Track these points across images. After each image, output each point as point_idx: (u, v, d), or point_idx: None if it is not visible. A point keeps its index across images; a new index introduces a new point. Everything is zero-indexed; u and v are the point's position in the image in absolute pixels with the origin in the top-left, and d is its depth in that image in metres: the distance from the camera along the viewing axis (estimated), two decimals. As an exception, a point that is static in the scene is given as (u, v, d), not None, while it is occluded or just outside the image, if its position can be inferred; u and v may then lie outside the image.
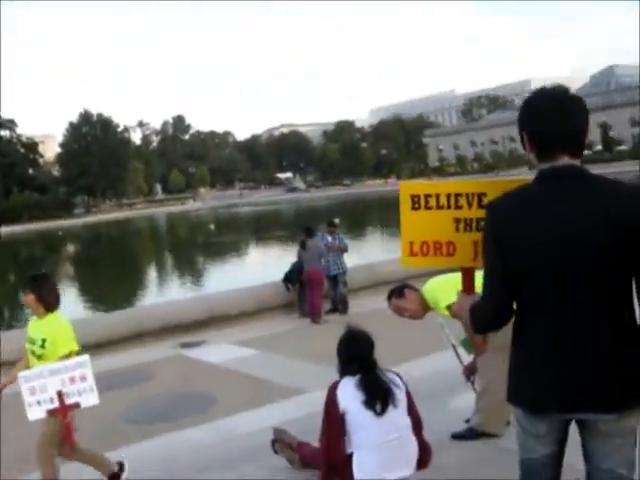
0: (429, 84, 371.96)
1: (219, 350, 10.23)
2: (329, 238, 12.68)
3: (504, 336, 4.66)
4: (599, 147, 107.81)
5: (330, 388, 4.15)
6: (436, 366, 7.11)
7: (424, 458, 4.22)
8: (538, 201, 2.40)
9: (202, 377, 8.87)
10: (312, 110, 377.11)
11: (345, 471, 4.07)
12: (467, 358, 4.94)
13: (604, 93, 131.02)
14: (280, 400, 7.45)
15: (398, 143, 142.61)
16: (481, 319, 2.57)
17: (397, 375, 4.26)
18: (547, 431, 2.53)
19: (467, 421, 4.91)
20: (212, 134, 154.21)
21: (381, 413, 4.02)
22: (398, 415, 4.10)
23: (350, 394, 4.05)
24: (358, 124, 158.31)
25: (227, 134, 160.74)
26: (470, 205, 2.81)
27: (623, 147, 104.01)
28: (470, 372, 4.90)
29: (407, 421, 4.15)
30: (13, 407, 5.70)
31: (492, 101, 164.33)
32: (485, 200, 2.80)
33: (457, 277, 4.93)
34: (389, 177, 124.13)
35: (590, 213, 2.33)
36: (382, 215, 52.21)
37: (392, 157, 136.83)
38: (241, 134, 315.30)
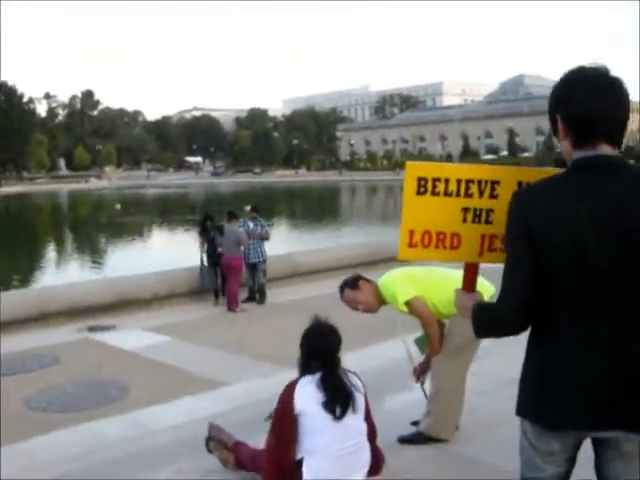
0: (344, 79, 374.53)
1: (130, 336, 9.65)
2: (250, 224, 12.26)
3: (460, 338, 4.46)
4: (505, 152, 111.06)
5: (287, 386, 3.81)
6: (369, 361, 6.84)
7: (376, 466, 3.94)
8: (577, 193, 2.12)
9: (112, 364, 8.29)
10: (225, 95, 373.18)
11: (294, 478, 3.74)
12: (418, 358, 4.67)
13: (512, 101, 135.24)
14: (199, 392, 7.01)
15: (310, 135, 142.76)
16: (494, 322, 2.26)
17: (357, 377, 3.93)
18: (560, 449, 2.28)
19: (413, 423, 4.66)
20: (121, 112, 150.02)
21: (340, 417, 3.71)
22: (356, 420, 3.80)
23: (309, 394, 3.72)
24: (271, 113, 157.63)
25: (137, 113, 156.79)
26: (481, 194, 2.49)
27: (527, 154, 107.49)
28: (421, 373, 4.65)
29: (364, 427, 3.86)
30: None
31: (405, 100, 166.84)
32: (498, 189, 2.49)
33: (417, 272, 4.71)
34: (299, 168, 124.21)
35: (637, 208, 2.07)
36: (292, 205, 52.12)
37: (303, 148, 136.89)
38: (151, 114, 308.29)
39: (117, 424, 6.02)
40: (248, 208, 12.68)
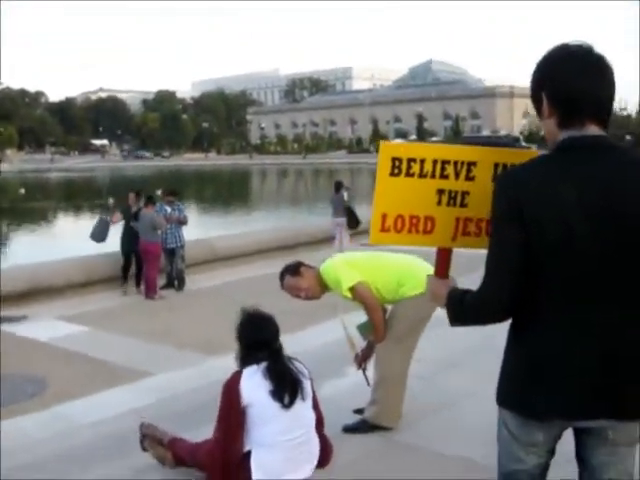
0: (254, 62, 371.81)
1: (44, 326, 9.18)
2: (168, 209, 11.89)
3: (405, 324, 4.38)
4: (414, 137, 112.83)
5: (232, 378, 3.64)
6: (302, 346, 6.68)
7: (325, 457, 3.83)
8: (564, 175, 2.02)
9: (26, 357, 7.86)
10: (132, 77, 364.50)
11: (240, 471, 3.58)
12: (359, 341, 4.55)
13: (421, 86, 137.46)
14: (123, 384, 6.71)
15: (220, 118, 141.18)
16: (479, 308, 2.14)
17: (301, 363, 3.80)
18: (544, 440, 2.20)
19: (356, 411, 4.55)
20: (23, 92, 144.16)
21: (289, 405, 3.58)
22: (305, 409, 3.69)
23: (256, 384, 3.57)
24: (180, 95, 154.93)
25: (39, 94, 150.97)
26: (457, 175, 2.37)
27: (436, 138, 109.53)
28: (363, 359, 4.54)
29: (312, 416, 3.75)
30: None
31: (315, 84, 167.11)
32: (475, 171, 2.38)
33: (360, 257, 4.58)
34: (209, 151, 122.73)
35: (627, 190, 2.00)
36: (203, 189, 51.38)
37: (213, 131, 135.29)
38: (55, 95, 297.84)
39: (38, 421, 5.68)
40: (160, 192, 12.28)
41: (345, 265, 4.31)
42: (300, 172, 75.16)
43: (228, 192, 51.53)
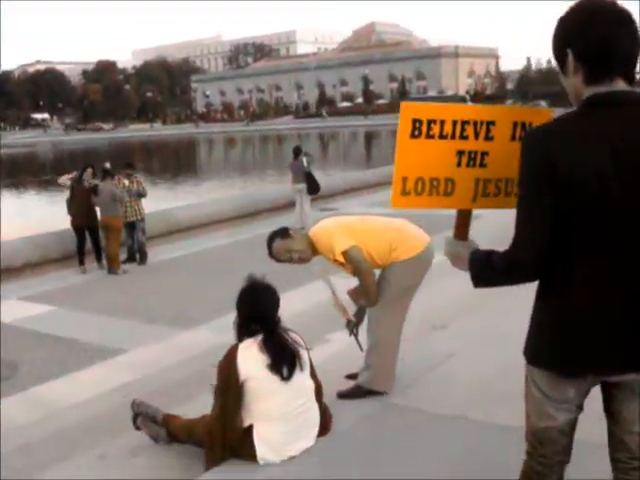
0: (195, 28, 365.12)
1: (8, 307, 8.92)
2: (126, 182, 11.64)
3: (397, 288, 4.34)
4: (360, 100, 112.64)
5: (228, 353, 3.57)
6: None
7: (325, 424, 3.81)
8: (596, 131, 1.98)
9: (-8, 339, 7.66)
10: (70, 48, 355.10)
11: (243, 446, 3.54)
12: (350, 310, 4.51)
13: (365, 48, 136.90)
14: (97, 362, 6.60)
15: (163, 86, 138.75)
16: (509, 268, 2.10)
17: (296, 333, 3.75)
18: (574, 396, 2.20)
19: (349, 377, 4.54)
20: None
21: (288, 378, 3.54)
22: (303, 379, 3.65)
23: (253, 358, 3.51)
24: (120, 65, 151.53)
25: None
26: (477, 135, 2.33)
27: (382, 101, 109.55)
28: (355, 325, 4.50)
29: (311, 385, 3.72)
30: None
31: (259, 49, 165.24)
32: (493, 131, 2.35)
33: (351, 221, 4.52)
34: (154, 121, 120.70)
35: None
36: (149, 160, 50.53)
37: (157, 101, 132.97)
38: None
39: (16, 404, 5.55)
40: (107, 165, 11.97)
41: (338, 229, 4.24)
42: (248, 139, 74.49)
43: (177, 162, 50.84)
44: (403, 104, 2.27)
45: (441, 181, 2.33)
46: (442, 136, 2.29)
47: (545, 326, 2.17)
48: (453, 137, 2.30)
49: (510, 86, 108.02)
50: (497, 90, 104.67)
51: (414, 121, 2.25)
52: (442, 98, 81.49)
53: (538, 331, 2.20)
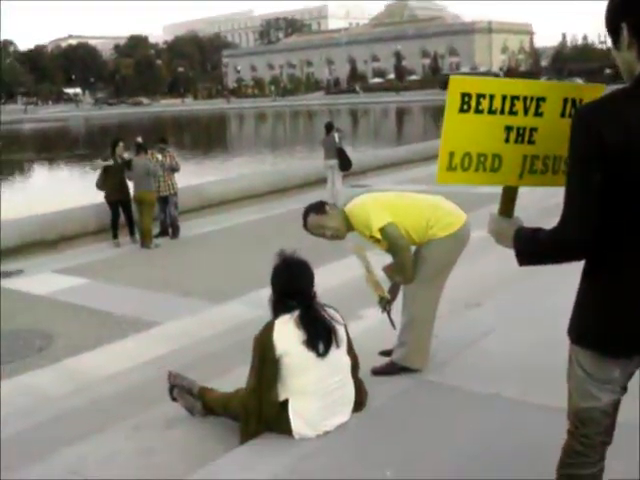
0: (226, 3, 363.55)
1: (43, 280, 9.08)
2: (159, 156, 11.69)
3: (434, 265, 4.29)
4: (392, 76, 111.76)
5: (265, 328, 3.56)
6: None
7: (360, 400, 3.81)
8: None
9: (28, 311, 7.77)
10: (101, 22, 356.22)
11: (278, 420, 3.55)
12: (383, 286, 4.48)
13: (398, 23, 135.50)
14: (132, 334, 6.67)
15: (194, 62, 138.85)
16: (560, 246, 2.05)
17: (334, 309, 3.74)
18: (619, 376, 2.17)
19: (382, 353, 4.53)
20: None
21: (324, 354, 3.53)
22: (340, 355, 3.64)
23: (289, 334, 3.50)
24: (152, 40, 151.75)
25: (8, 43, 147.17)
26: (526, 111, 2.27)
27: (414, 77, 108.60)
28: (388, 302, 4.48)
29: (348, 361, 3.70)
30: None
31: (290, 24, 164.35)
32: (543, 107, 2.28)
33: (388, 197, 4.48)
34: (185, 96, 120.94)
35: None
36: (181, 135, 50.68)
37: (188, 76, 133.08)
38: (23, 44, 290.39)
39: (51, 375, 5.63)
40: (139, 139, 12.00)
41: (375, 205, 4.19)
42: (279, 115, 74.39)
43: (208, 137, 50.96)
44: (452, 78, 2.21)
45: (488, 157, 2.28)
46: (491, 111, 2.23)
47: (592, 305, 2.13)
48: (502, 112, 2.25)
49: (544, 63, 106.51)
50: (531, 67, 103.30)
51: (463, 95, 2.20)
52: (475, 74, 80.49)
53: (584, 310, 2.16)
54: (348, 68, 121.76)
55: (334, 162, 13.66)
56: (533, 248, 2.13)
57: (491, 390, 4.09)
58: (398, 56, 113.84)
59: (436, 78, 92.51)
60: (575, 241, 2.02)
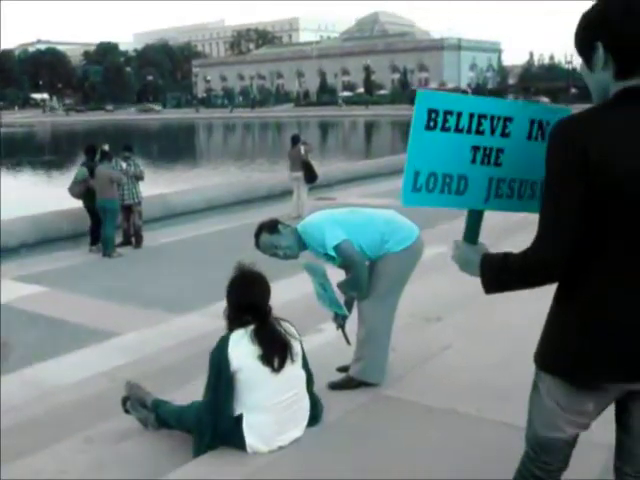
0: (198, 13, 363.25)
1: (2, 287, 8.91)
2: (123, 164, 11.58)
3: (389, 280, 4.31)
4: (361, 90, 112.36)
5: (220, 343, 3.54)
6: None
7: (315, 415, 3.80)
8: (630, 124, 1.87)
9: (-15, 319, 7.63)
10: (71, 28, 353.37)
11: (232, 435, 3.53)
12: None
13: (368, 38, 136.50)
14: (90, 344, 6.57)
15: (164, 70, 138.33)
16: (531, 269, 1.94)
17: (289, 323, 3.72)
18: (593, 409, 2.06)
19: (340, 369, 4.52)
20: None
21: (279, 369, 3.52)
22: (295, 370, 3.62)
23: (244, 349, 3.48)
24: (122, 47, 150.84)
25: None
26: (493, 131, 2.23)
27: (383, 91, 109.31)
28: (343, 318, 4.48)
29: (303, 375, 3.69)
30: None
31: (261, 36, 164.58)
32: (510, 127, 2.24)
33: (341, 214, 4.47)
34: (155, 105, 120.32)
35: None
36: (148, 144, 50.33)
37: (158, 84, 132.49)
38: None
39: (6, 385, 5.50)
40: (106, 147, 11.92)
41: (328, 223, 4.19)
42: (248, 126, 74.32)
43: (176, 147, 50.68)
44: (419, 92, 2.13)
45: (454, 178, 2.22)
46: (458, 129, 2.19)
47: (564, 330, 2.01)
48: (469, 132, 2.20)
49: (512, 81, 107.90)
50: (499, 84, 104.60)
51: (430, 112, 2.14)
52: (443, 91, 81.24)
53: (557, 334, 2.04)
54: (318, 81, 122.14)
55: (300, 174, 13.67)
56: (502, 273, 2.03)
57: (449, 405, 4.11)
58: (368, 70, 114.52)
59: (405, 93, 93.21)
60: (550, 260, 1.92)
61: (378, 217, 4.37)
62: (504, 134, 2.24)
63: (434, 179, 2.18)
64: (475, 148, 2.21)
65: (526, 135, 2.28)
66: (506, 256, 2.01)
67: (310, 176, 13.71)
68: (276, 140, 52.38)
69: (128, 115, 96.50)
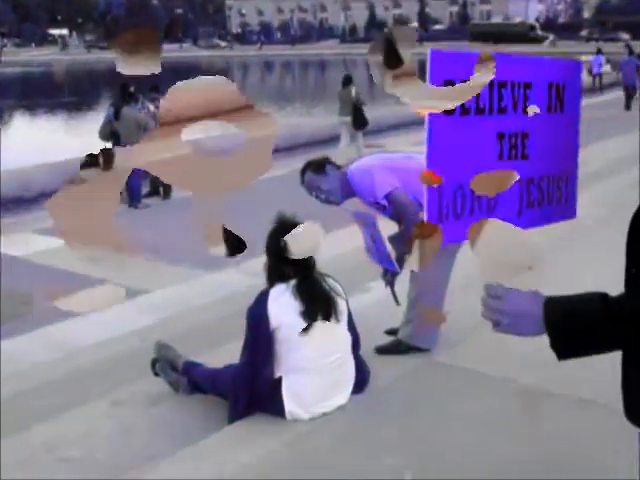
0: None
1: (21, 240, 9.13)
2: (151, 107, 11.66)
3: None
4: (415, 24, 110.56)
5: (258, 298, 3.61)
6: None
7: (361, 381, 3.86)
8: None
9: (6, 274, 7.82)
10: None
11: (270, 400, 3.61)
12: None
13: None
14: (121, 302, 6.71)
15: (195, 3, 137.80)
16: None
17: (335, 280, 3.77)
18: None
19: (389, 332, 4.57)
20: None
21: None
22: (340, 330, 3.67)
23: (285, 305, 3.54)
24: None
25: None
26: (515, 106, 2.31)
27: (439, 26, 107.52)
28: (393, 275, 4.49)
29: (348, 337, 3.75)
30: None
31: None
32: (531, 95, 2.26)
33: (395, 159, 4.48)
34: (184, 42, 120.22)
35: None
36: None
37: (188, 18, 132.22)
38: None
39: (31, 343, 5.71)
40: (132, 88, 11.97)
41: (380, 169, 4.20)
42: (287, 64, 73.93)
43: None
44: (432, 52, 2.12)
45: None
46: (479, 110, 2.16)
47: None
48: (491, 111, 2.17)
49: (587, 14, 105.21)
50: (571, 18, 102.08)
51: (446, 85, 2.07)
52: (508, 25, 79.57)
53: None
54: (366, 14, 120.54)
55: (349, 118, 13.67)
56: (596, 327, 1.63)
57: (507, 374, 4.13)
58: (422, 2, 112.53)
59: (464, 28, 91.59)
60: None
61: None
62: (525, 111, 2.22)
63: (462, 197, 2.10)
64: (500, 136, 2.19)
65: (546, 105, 2.27)
66: (591, 302, 1.64)
67: (359, 121, 13.69)
68: (319, 80, 52.04)
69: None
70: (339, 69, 44.04)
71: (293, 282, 3.60)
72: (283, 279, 3.62)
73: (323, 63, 68.51)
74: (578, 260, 5.71)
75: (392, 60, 1.64)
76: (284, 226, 3.71)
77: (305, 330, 3.48)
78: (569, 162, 2.74)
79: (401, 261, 4.58)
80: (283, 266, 3.63)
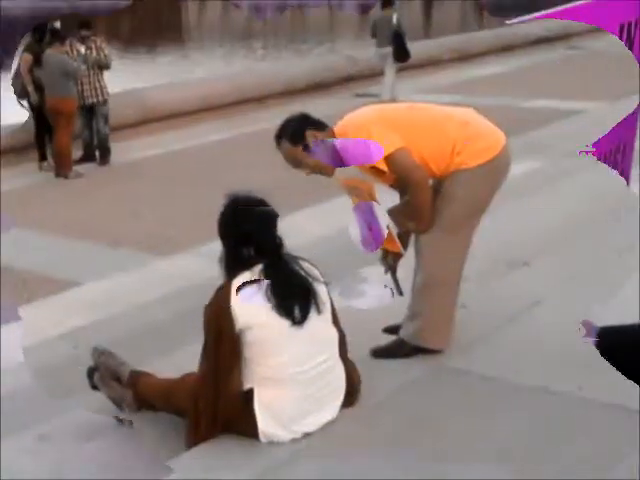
0: None
1: None
2: (81, 48, 11.57)
3: (461, 208, 4.25)
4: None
5: (218, 295, 3.62)
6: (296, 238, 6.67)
7: (352, 391, 3.88)
8: None
9: None
10: None
11: (239, 418, 3.63)
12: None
13: None
14: (41, 298, 6.67)
15: None
16: None
17: (310, 263, 3.78)
18: None
19: (387, 330, 4.60)
20: None
21: (302, 321, 3.59)
22: (323, 325, 3.70)
23: (252, 298, 3.54)
24: None
25: None
26: None
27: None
28: (395, 258, 4.48)
29: (334, 334, 3.78)
30: None
31: None
32: None
33: (397, 112, 4.46)
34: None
35: None
36: (116, 21, 50.09)
37: None
38: None
39: None
40: (57, 24, 11.89)
41: (378, 124, 4.15)
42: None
43: (156, 23, 50.37)
44: None
45: None
46: None
47: None
48: None
49: None
50: None
51: None
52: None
53: None
54: None
55: (388, 50, 13.80)
56: None
57: (537, 382, 4.16)
58: None
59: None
60: None
61: (449, 117, 4.34)
62: None
63: None
64: None
65: None
66: None
67: (400, 53, 13.86)
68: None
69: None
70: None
71: (259, 268, 3.60)
72: (245, 266, 3.61)
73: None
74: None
75: None
76: (238, 202, 3.71)
77: (279, 328, 3.48)
78: None
79: (405, 240, 4.58)
80: (244, 251, 3.62)
